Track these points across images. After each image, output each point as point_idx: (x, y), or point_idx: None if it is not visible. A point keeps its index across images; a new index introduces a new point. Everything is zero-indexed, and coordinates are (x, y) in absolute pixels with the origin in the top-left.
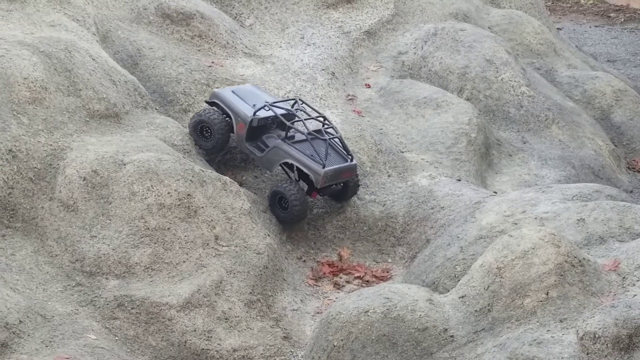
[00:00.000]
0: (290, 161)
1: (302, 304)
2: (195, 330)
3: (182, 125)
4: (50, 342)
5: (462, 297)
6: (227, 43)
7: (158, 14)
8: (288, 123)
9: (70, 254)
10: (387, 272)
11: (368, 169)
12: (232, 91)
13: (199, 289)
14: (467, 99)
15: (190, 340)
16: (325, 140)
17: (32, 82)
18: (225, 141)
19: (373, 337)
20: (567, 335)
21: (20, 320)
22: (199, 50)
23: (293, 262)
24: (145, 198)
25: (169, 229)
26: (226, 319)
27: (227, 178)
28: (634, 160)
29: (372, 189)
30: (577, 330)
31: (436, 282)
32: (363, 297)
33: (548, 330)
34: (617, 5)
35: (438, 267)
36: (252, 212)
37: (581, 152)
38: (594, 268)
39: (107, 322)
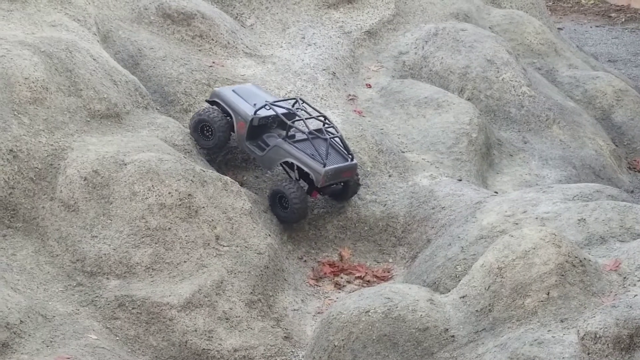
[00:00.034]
0: (290, 160)
1: (303, 304)
2: (196, 330)
3: (183, 125)
4: (51, 342)
5: (463, 297)
6: (228, 43)
7: (159, 14)
8: (289, 122)
9: (71, 254)
10: (388, 272)
11: (369, 169)
12: (233, 90)
13: (200, 289)
14: (468, 99)
15: (191, 340)
16: (325, 139)
17: (33, 82)
18: (226, 140)
19: (374, 337)
20: (568, 335)
21: (21, 320)
22: (199, 50)
23: (294, 262)
24: (146, 198)
25: (169, 229)
26: (227, 319)
27: (228, 178)
28: (634, 160)
29: (373, 189)
30: (578, 330)
31: (437, 282)
32: (364, 297)
33: (549, 330)
34: (618, 5)
35: (439, 267)
36: (253, 212)
37: (582, 152)
38: (594, 268)
39: (108, 322)
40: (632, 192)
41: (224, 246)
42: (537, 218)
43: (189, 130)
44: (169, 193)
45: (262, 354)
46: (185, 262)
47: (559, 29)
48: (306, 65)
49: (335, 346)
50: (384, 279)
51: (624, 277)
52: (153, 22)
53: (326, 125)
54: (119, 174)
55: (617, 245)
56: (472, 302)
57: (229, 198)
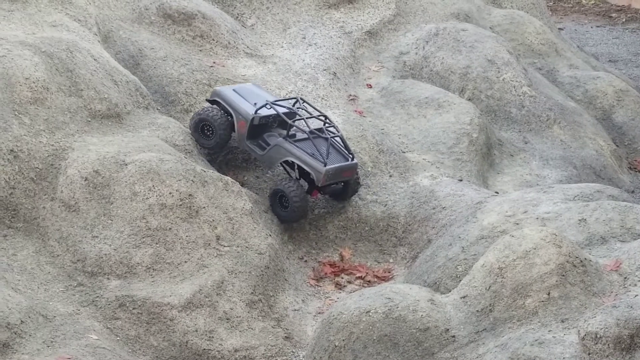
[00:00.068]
0: (291, 159)
1: (303, 304)
2: (196, 331)
3: (184, 126)
4: (52, 342)
5: (464, 297)
6: (229, 43)
7: (160, 14)
8: (290, 121)
9: (71, 254)
10: (389, 272)
11: (370, 169)
12: (234, 90)
13: (201, 289)
14: (469, 99)
15: (191, 340)
16: (326, 138)
17: (34, 82)
18: (227, 138)
19: (374, 337)
20: (568, 335)
21: (21, 321)
22: (200, 50)
23: (294, 262)
24: (147, 198)
25: (170, 229)
26: (228, 319)
27: (229, 178)
28: (635, 161)
29: (374, 189)
30: (579, 331)
31: (438, 282)
32: (364, 297)
33: (549, 331)
34: (619, 6)
35: (439, 267)
36: (254, 212)
37: (583, 152)
38: (595, 268)
39: (109, 322)
40: (632, 192)
41: (224, 246)
42: (537, 218)
43: (189, 130)
44: (170, 193)
45: (263, 354)
46: (186, 262)
47: (559, 29)
48: (307, 66)
49: (335, 346)
50: (384, 279)
51: (625, 277)
52: (154, 22)
53: (327, 125)
54: (120, 174)
55: (617, 245)
56: (473, 302)
57: (230, 198)
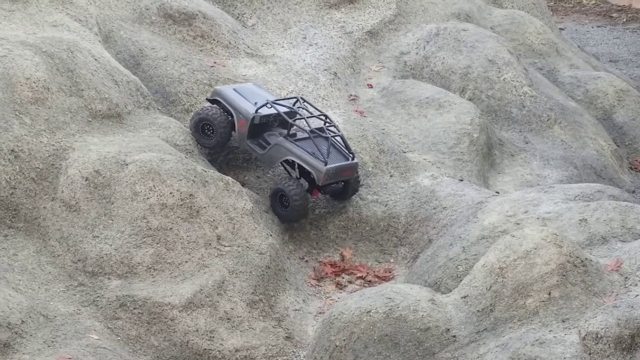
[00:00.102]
0: (292, 158)
1: (304, 304)
2: (197, 331)
3: (185, 126)
4: (53, 342)
5: (465, 297)
6: (230, 43)
7: (160, 14)
8: (290, 120)
9: (72, 254)
10: (390, 272)
11: (370, 169)
12: (234, 89)
13: (201, 289)
14: (470, 99)
15: (192, 340)
16: (327, 138)
17: (35, 82)
18: (227, 138)
19: (375, 337)
20: (569, 335)
21: (22, 321)
22: (201, 50)
23: (295, 262)
24: (148, 198)
25: (171, 229)
26: (228, 319)
27: (230, 178)
28: (636, 161)
29: (375, 189)
30: (580, 331)
31: (438, 282)
32: (365, 297)
33: (550, 331)
34: (620, 6)
35: (440, 267)
36: (255, 212)
37: (583, 152)
38: (596, 268)
39: (110, 322)
40: (633, 192)
41: (225, 246)
42: (538, 218)
43: (189, 130)
44: (171, 193)
45: (264, 354)
46: (186, 262)
47: (560, 29)
48: (307, 66)
49: (336, 346)
50: (385, 279)
51: (626, 277)
52: (154, 22)
53: (327, 124)
54: (121, 174)
55: (618, 245)
56: (474, 302)
57: (231, 198)
